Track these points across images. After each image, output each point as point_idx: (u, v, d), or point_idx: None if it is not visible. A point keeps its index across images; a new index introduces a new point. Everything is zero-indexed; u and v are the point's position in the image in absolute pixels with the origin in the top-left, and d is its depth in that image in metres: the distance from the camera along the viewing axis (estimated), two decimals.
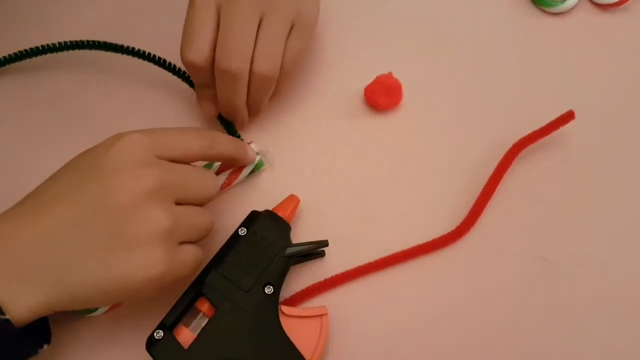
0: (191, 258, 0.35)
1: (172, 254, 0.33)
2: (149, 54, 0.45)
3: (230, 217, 0.41)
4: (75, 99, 0.47)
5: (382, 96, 0.45)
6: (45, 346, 0.34)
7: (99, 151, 0.33)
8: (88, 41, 0.45)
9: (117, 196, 0.31)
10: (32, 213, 0.32)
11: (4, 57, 0.47)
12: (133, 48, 0.45)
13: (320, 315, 0.37)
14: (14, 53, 0.47)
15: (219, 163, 0.42)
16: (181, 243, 0.34)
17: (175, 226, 0.33)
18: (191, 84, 0.45)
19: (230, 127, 0.44)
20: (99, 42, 0.46)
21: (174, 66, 0.45)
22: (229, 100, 0.41)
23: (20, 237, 0.31)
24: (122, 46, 0.45)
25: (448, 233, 0.41)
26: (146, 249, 0.31)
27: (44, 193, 0.33)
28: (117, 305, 0.38)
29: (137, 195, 0.31)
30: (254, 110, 0.43)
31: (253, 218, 0.39)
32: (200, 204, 0.36)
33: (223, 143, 0.38)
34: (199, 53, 0.39)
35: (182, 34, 0.40)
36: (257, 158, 0.42)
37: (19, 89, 0.48)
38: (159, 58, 0.45)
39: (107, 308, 0.37)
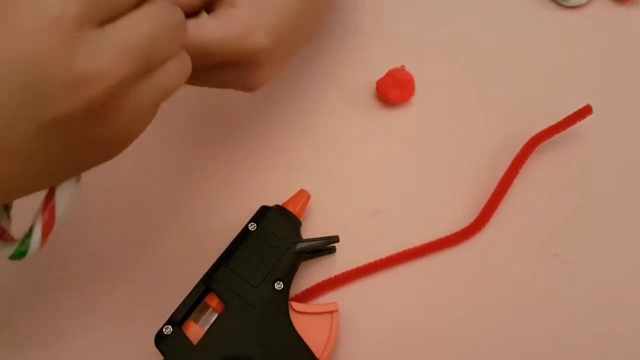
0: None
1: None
2: None
3: (240, 212, 0.40)
4: None
5: (394, 90, 0.44)
6: None
7: None
8: None
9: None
10: None
11: None
12: None
13: (331, 312, 0.37)
14: None
15: None
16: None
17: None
18: None
19: None
20: None
21: None
22: None
23: None
24: None
25: (462, 229, 0.41)
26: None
27: None
28: (49, 230, 0.31)
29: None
30: None
31: (263, 213, 0.39)
32: None
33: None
34: None
35: None
36: None
37: None
38: None
39: (39, 243, 0.31)
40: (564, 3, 0.48)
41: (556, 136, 0.42)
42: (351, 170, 0.43)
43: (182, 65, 0.27)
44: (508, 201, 0.41)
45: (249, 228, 0.38)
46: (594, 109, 0.41)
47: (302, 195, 0.40)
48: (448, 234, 0.40)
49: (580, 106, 0.41)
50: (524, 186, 0.42)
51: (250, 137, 0.44)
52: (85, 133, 0.25)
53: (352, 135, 0.44)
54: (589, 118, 0.41)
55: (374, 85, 0.45)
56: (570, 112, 0.42)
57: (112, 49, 0.24)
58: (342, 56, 0.47)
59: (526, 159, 0.42)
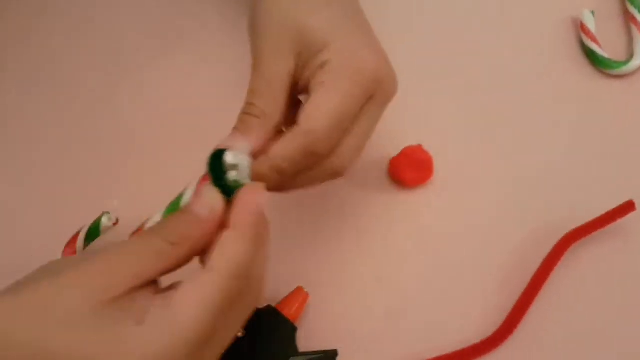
0: None
1: None
2: None
3: None
4: None
5: (409, 171, 0.41)
6: None
7: None
8: None
9: None
10: None
11: None
12: None
13: None
14: None
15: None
16: None
17: None
18: None
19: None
20: None
21: None
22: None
23: None
24: None
25: (485, 339, 0.37)
26: None
27: None
28: None
29: None
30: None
31: (253, 317, 0.35)
32: None
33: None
34: None
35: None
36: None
37: None
38: None
39: None
40: (610, 72, 0.44)
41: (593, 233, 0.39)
42: (357, 264, 0.40)
43: None
44: (538, 306, 0.38)
45: (237, 335, 0.34)
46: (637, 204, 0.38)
47: (299, 295, 0.38)
48: (468, 343, 0.37)
49: (621, 197, 0.38)
50: (556, 289, 0.38)
51: None
52: None
53: (358, 221, 0.41)
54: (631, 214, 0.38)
55: (387, 163, 0.41)
56: (609, 201, 0.38)
57: None
58: None
59: (560, 258, 0.39)
